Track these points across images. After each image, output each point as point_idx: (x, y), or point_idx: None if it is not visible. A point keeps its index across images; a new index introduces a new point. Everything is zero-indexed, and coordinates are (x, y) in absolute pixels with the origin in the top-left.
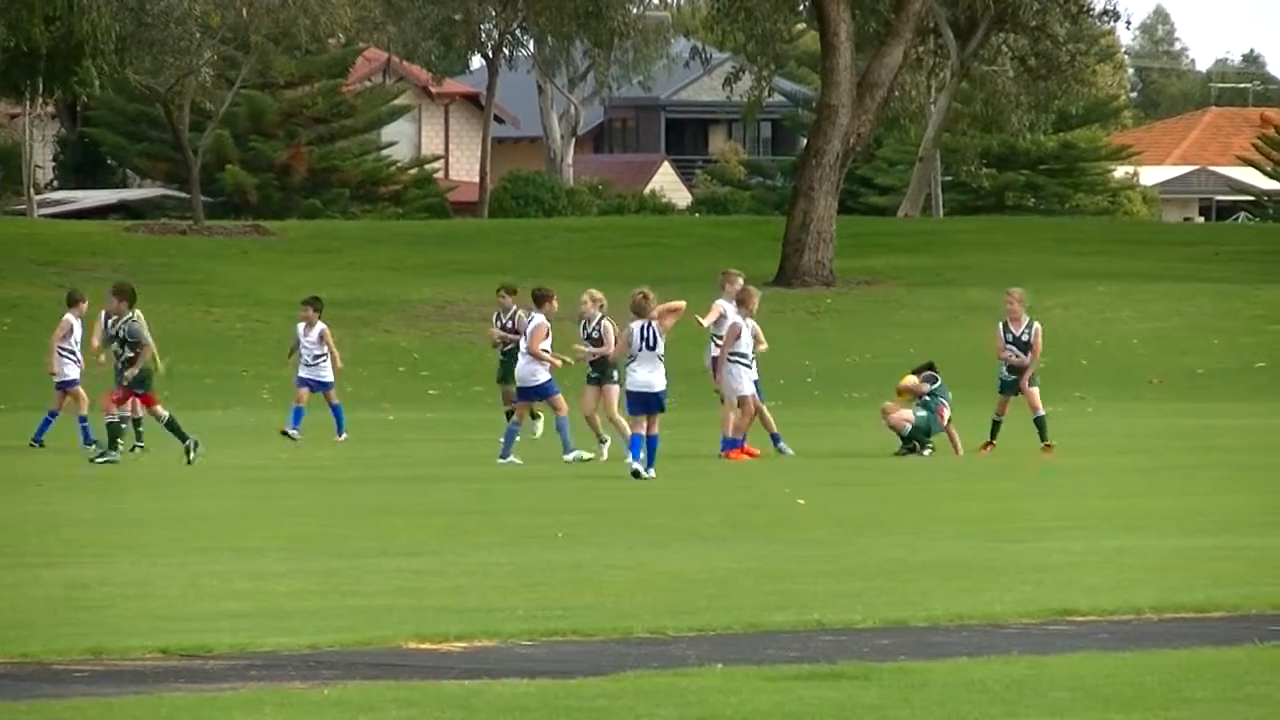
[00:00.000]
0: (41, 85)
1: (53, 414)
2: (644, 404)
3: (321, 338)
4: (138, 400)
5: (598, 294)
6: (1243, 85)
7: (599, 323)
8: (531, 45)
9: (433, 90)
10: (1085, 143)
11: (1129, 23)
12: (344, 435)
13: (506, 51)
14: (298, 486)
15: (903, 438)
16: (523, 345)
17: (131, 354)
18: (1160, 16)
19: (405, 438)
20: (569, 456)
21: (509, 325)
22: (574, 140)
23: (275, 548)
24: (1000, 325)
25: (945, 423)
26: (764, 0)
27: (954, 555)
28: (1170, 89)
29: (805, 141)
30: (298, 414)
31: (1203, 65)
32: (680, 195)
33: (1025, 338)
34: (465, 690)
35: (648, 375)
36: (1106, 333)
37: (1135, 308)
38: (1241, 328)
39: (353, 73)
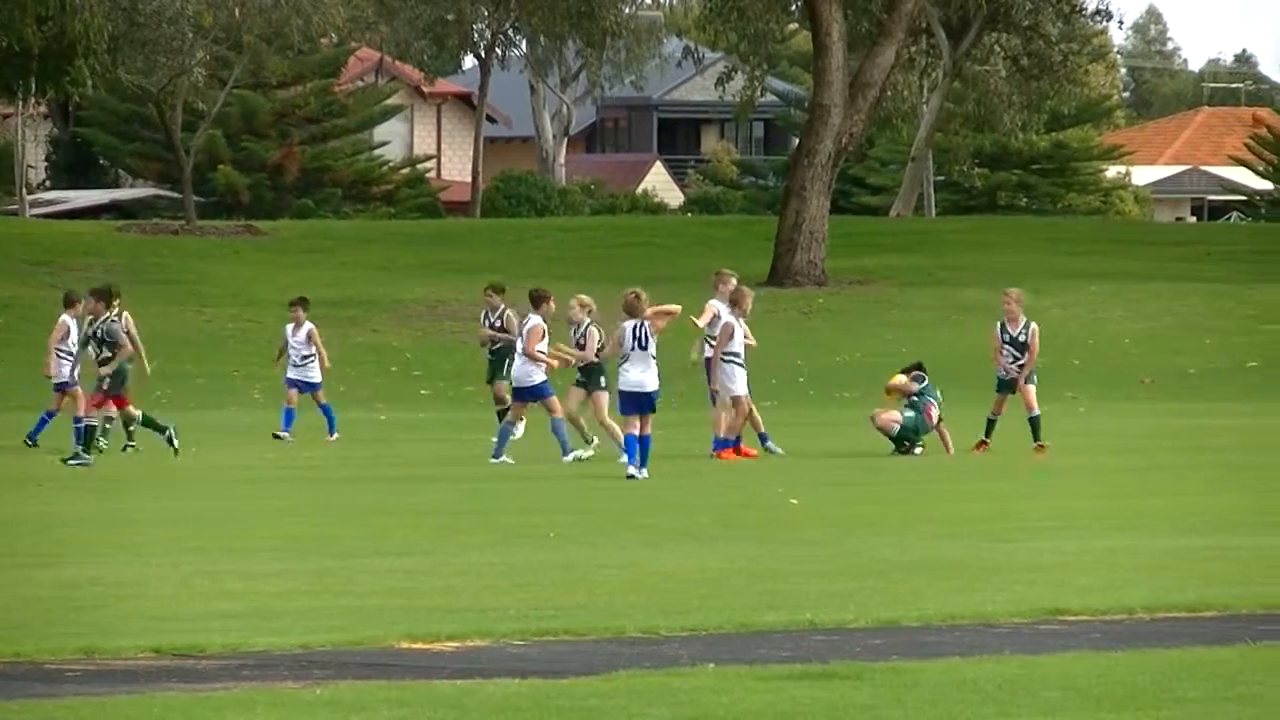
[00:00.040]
0: (34, 85)
1: (50, 414)
2: (636, 404)
3: (309, 337)
4: (111, 403)
5: (587, 299)
6: (1235, 85)
7: (585, 329)
8: (524, 45)
9: (425, 90)
10: (1077, 142)
11: (1121, 22)
12: (335, 435)
13: (499, 51)
14: (289, 487)
15: (892, 439)
16: (519, 346)
17: (109, 354)
18: (1153, 16)
19: (397, 438)
20: (567, 458)
21: (497, 324)
22: (566, 140)
23: (267, 548)
24: (998, 325)
25: (934, 422)
26: (756, 0)
27: (946, 555)
28: (1162, 89)
29: (797, 141)
30: (288, 415)
31: (1195, 65)
32: (672, 195)
33: (1022, 338)
34: (457, 690)
35: (640, 375)
36: (1098, 332)
37: (1127, 307)
38: (1233, 327)
39: (345, 72)
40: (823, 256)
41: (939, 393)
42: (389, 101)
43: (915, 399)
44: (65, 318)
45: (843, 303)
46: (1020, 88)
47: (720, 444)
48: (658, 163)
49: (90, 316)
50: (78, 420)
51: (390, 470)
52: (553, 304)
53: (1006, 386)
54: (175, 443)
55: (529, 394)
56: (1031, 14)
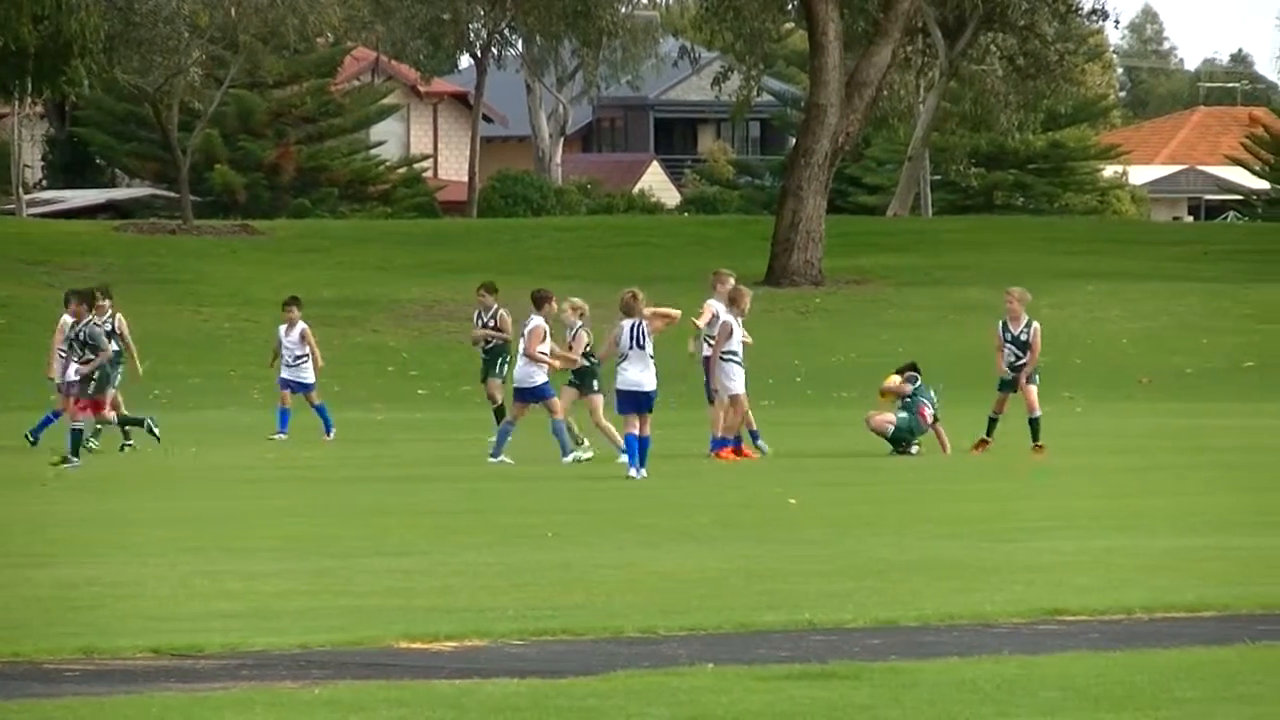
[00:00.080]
0: (30, 85)
1: (55, 414)
2: (634, 403)
3: (303, 337)
4: (90, 407)
5: (579, 302)
6: (1231, 85)
7: (575, 331)
8: (520, 44)
9: (421, 89)
10: (1074, 142)
11: (1117, 22)
12: (332, 434)
13: (495, 51)
14: (288, 487)
15: (888, 440)
16: (520, 347)
17: (91, 356)
18: (1149, 16)
19: (394, 437)
20: (567, 459)
21: (491, 324)
22: (562, 139)
23: (266, 548)
24: (1000, 324)
25: (929, 423)
26: (752, 0)
27: (944, 555)
28: (1159, 88)
29: (794, 141)
30: (283, 416)
31: (1191, 64)
32: (669, 195)
33: (1024, 337)
34: (456, 690)
35: (638, 374)
36: (1096, 332)
37: (1124, 307)
38: (1230, 327)
39: (341, 72)
40: (819, 256)
41: (933, 393)
42: (385, 101)
43: (908, 400)
44: (66, 318)
45: (839, 302)
46: (1017, 87)
47: (719, 444)
48: (654, 162)
49: (74, 319)
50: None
51: (388, 470)
52: (555, 304)
53: (1009, 385)
54: (156, 431)
55: (531, 395)
56: (1028, 13)
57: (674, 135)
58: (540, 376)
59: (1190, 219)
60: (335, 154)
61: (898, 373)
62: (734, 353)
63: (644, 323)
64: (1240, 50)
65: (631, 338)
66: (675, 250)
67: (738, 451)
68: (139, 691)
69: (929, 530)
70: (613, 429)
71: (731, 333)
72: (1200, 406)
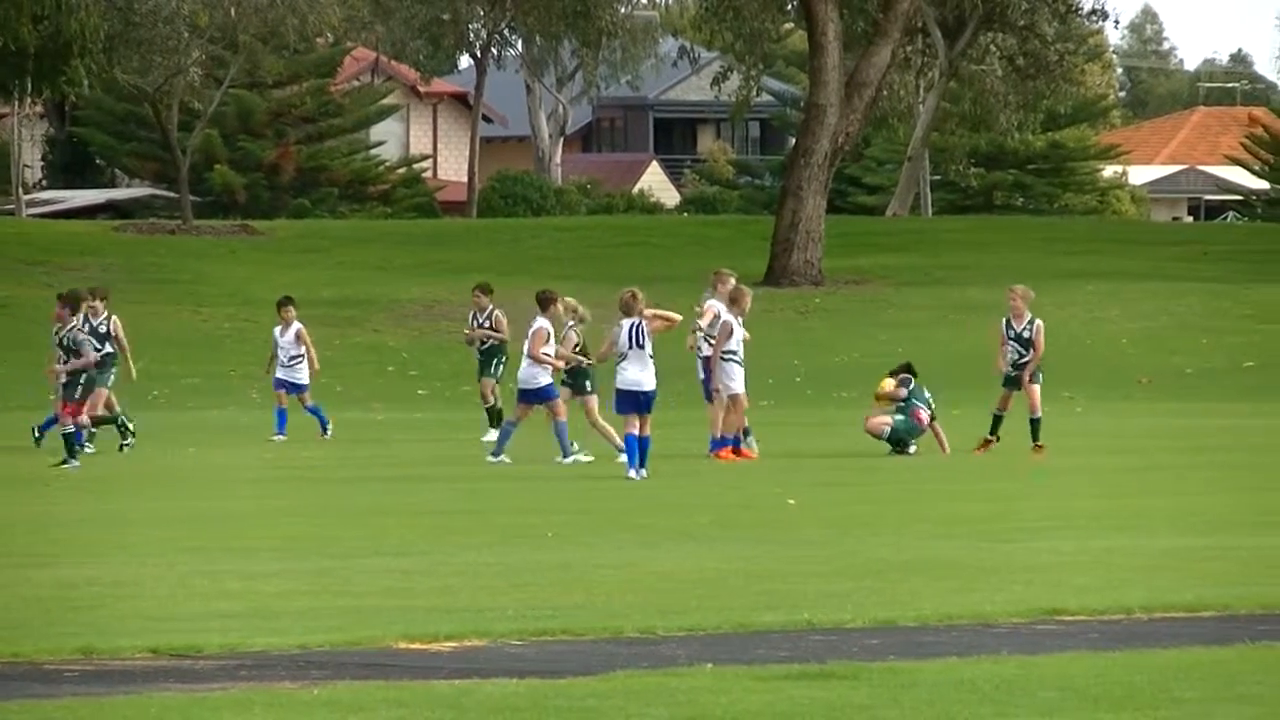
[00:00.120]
0: (30, 85)
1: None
2: (634, 403)
3: (298, 337)
4: (76, 409)
5: (571, 301)
6: (1230, 85)
7: (565, 331)
8: (519, 45)
9: (421, 90)
10: (1074, 142)
11: (1117, 22)
12: (329, 432)
13: (495, 51)
14: (287, 487)
15: (886, 441)
16: (525, 348)
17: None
18: (1148, 16)
19: (394, 438)
20: (566, 460)
21: (486, 325)
22: (562, 140)
23: (265, 548)
24: (1003, 321)
25: (926, 424)
26: (752, 0)
27: (943, 555)
28: (1158, 88)
29: (793, 141)
30: (280, 416)
31: (1191, 65)
32: (668, 195)
33: (1027, 334)
34: (455, 690)
35: (638, 374)
36: (1096, 332)
37: (1124, 307)
38: (1230, 327)
39: (341, 72)
40: (819, 256)
41: (929, 394)
42: (385, 101)
43: (903, 404)
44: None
45: (839, 302)
46: (1016, 87)
47: (718, 444)
48: (654, 162)
49: (58, 324)
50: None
51: (387, 470)
52: (560, 305)
53: (1013, 382)
54: (130, 427)
55: (534, 396)
56: (1027, 14)
57: (673, 135)
58: (544, 378)
59: (1190, 219)
60: (335, 154)
61: (892, 374)
62: (734, 352)
63: (643, 322)
64: (1240, 50)
65: (631, 337)
66: (675, 250)
67: (737, 451)
68: (138, 692)
69: (928, 530)
70: (610, 428)
71: (732, 332)
72: (1200, 406)
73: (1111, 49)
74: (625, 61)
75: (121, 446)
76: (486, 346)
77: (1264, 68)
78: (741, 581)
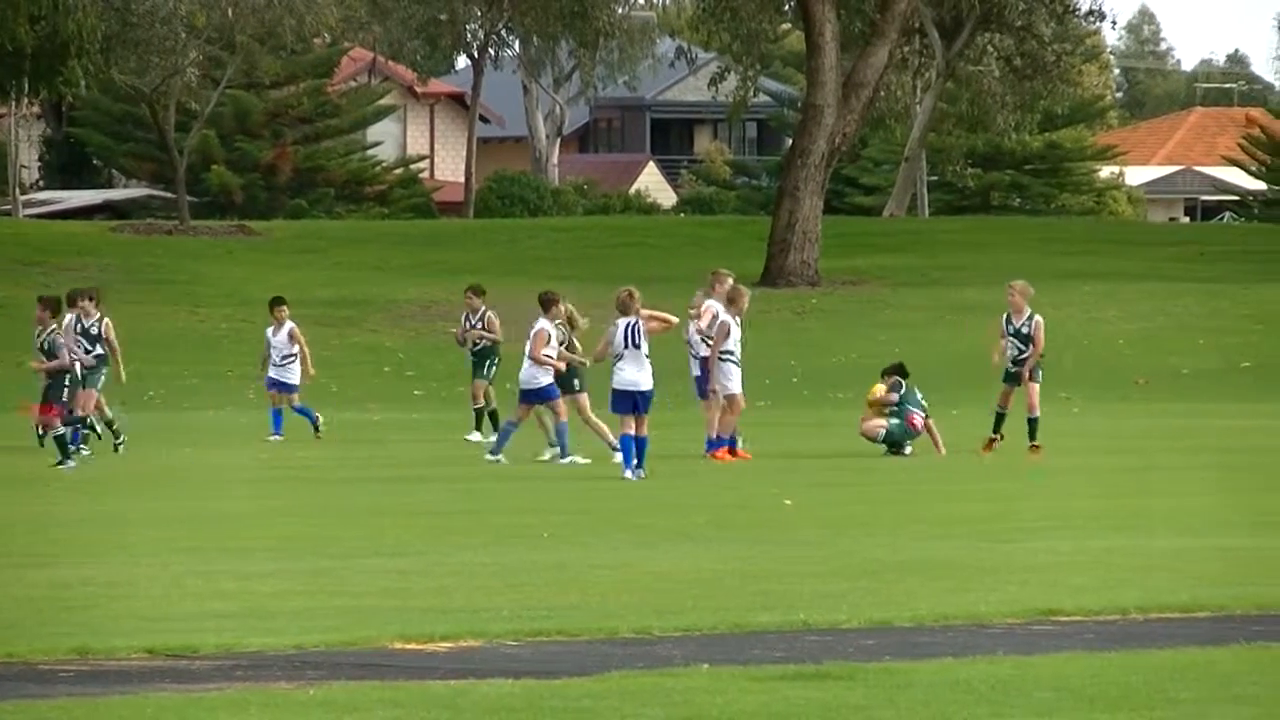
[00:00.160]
0: (27, 85)
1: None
2: (630, 403)
3: (291, 336)
4: (40, 410)
5: (569, 308)
6: (1228, 85)
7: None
8: (517, 45)
9: (418, 90)
10: (1071, 143)
11: (1115, 23)
12: (320, 429)
13: (492, 51)
14: (283, 487)
15: (881, 443)
16: (526, 349)
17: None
18: (1145, 16)
19: (390, 438)
20: (564, 461)
21: (478, 326)
22: (559, 140)
23: (261, 548)
24: (1003, 317)
25: (920, 428)
26: (749, 0)
27: (939, 555)
28: (1156, 89)
29: (790, 141)
30: (276, 416)
31: (1188, 65)
32: (665, 195)
33: (1025, 330)
34: (450, 690)
35: (634, 374)
36: (1092, 333)
37: (1121, 308)
38: (1227, 328)
39: (338, 73)
40: (816, 257)
41: (921, 396)
42: (382, 102)
43: (896, 408)
44: (69, 317)
45: (836, 303)
46: (1013, 88)
47: (714, 444)
48: (651, 163)
49: (39, 326)
50: (75, 421)
51: (384, 471)
52: (562, 307)
53: (1013, 379)
54: (96, 430)
55: (535, 396)
56: (1025, 14)
57: (670, 136)
58: (545, 378)
59: (1187, 220)
60: (332, 154)
61: (883, 374)
62: (731, 353)
63: (639, 322)
64: (1237, 51)
65: (627, 337)
66: (672, 251)
67: (733, 452)
68: (134, 692)
69: (923, 531)
70: (602, 425)
71: (729, 332)
72: (1197, 407)
73: (1109, 49)
74: (622, 62)
75: (116, 447)
76: (479, 348)
77: (1261, 68)
78: (737, 582)
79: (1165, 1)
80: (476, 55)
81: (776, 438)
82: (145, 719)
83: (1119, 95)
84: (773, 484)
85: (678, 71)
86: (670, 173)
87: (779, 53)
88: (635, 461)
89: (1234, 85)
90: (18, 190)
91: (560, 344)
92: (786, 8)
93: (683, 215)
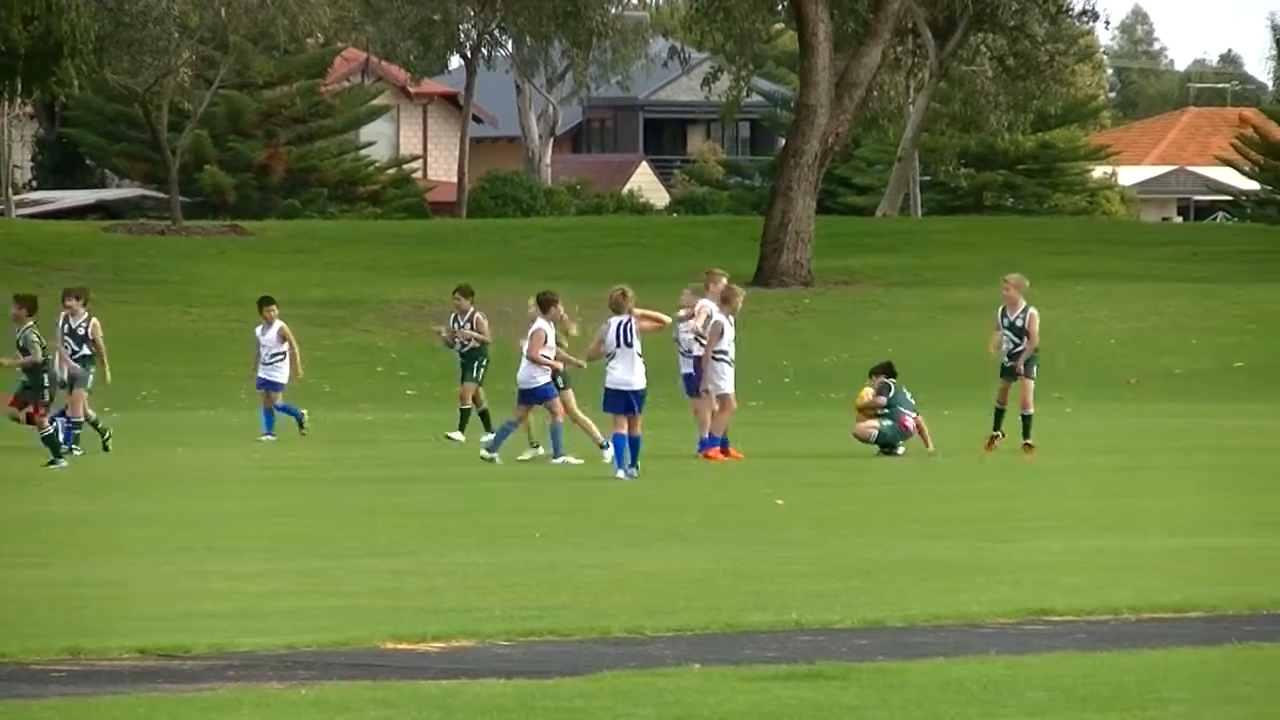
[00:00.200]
0: (20, 85)
1: (60, 412)
2: (623, 402)
3: (281, 335)
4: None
5: (560, 312)
6: (1221, 85)
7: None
8: (510, 45)
9: (411, 90)
10: (1064, 143)
11: (1108, 23)
12: (306, 429)
13: (485, 51)
14: (276, 487)
15: (874, 443)
16: (524, 349)
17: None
18: (1139, 16)
19: (383, 438)
20: (557, 460)
21: (466, 327)
22: (552, 140)
23: (253, 548)
24: (998, 311)
25: (913, 430)
26: (742, 0)
27: (931, 555)
28: (1149, 89)
29: (784, 141)
30: (267, 416)
31: (1181, 65)
32: (658, 195)
33: (1020, 323)
34: (442, 690)
35: (626, 373)
36: (1085, 333)
37: (1114, 308)
38: (1220, 328)
39: (331, 73)
40: (809, 257)
41: (910, 396)
42: (375, 102)
43: (887, 410)
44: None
45: (829, 303)
46: (1006, 88)
47: (706, 443)
48: (644, 163)
49: (14, 324)
50: (69, 421)
51: (376, 470)
52: (561, 307)
53: (1009, 373)
54: (53, 467)
55: (532, 396)
56: (1018, 14)
57: (663, 136)
58: (542, 378)
59: (1179, 220)
60: (325, 155)
61: (871, 373)
62: (724, 352)
63: (631, 320)
64: (1230, 51)
65: (619, 336)
66: (664, 251)
67: (725, 451)
68: (126, 692)
69: (916, 531)
70: (589, 422)
71: (723, 332)
72: (1189, 407)
73: (1102, 49)
74: (615, 62)
75: (105, 445)
76: (467, 349)
77: (1254, 68)
78: (729, 582)
79: (1158, 1)
80: (470, 55)
81: (769, 437)
82: (138, 719)
83: (1112, 95)
84: (765, 484)
85: (671, 71)
86: (663, 173)
87: (772, 53)
88: (629, 460)
89: (1227, 85)
90: (10, 190)
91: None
92: (779, 8)
93: (676, 215)
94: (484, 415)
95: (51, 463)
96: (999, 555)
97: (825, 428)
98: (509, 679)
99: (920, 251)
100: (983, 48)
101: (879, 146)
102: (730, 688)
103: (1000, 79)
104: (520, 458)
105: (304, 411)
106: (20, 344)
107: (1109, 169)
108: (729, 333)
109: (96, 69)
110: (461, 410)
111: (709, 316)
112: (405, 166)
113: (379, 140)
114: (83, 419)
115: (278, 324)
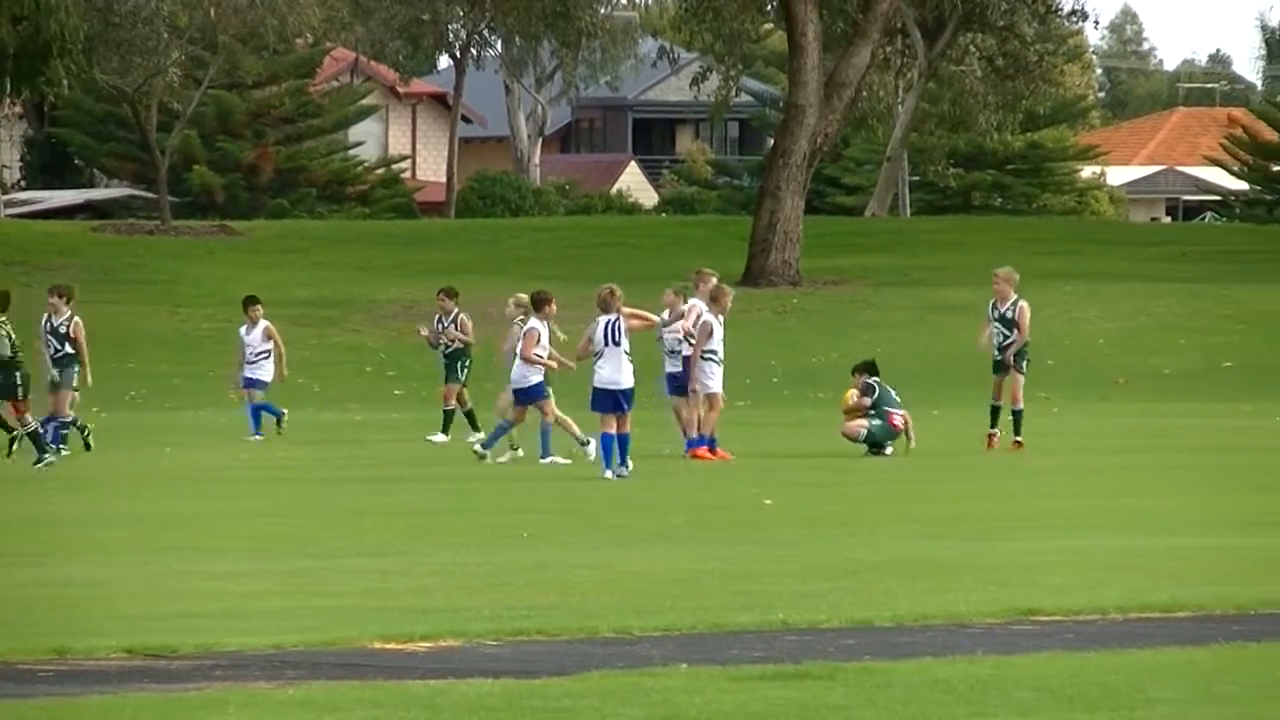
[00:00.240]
0: (9, 85)
1: (49, 418)
2: (611, 401)
3: (266, 334)
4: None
5: (524, 299)
6: (1210, 85)
7: (511, 325)
8: (499, 45)
9: (400, 90)
10: (1052, 143)
11: (1097, 22)
12: (283, 427)
13: (474, 51)
14: (264, 487)
15: (863, 443)
16: (518, 349)
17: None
18: (1128, 16)
19: (371, 438)
20: (545, 460)
21: (451, 328)
22: (541, 140)
23: (241, 548)
24: (989, 305)
25: (902, 429)
26: (731, 0)
27: (919, 555)
28: (1138, 89)
29: (772, 141)
30: (253, 416)
31: (1170, 65)
32: (647, 195)
33: (1010, 314)
34: (430, 690)
35: (614, 373)
36: (1073, 333)
37: (1102, 308)
38: (1208, 328)
39: (320, 73)
40: (797, 256)
41: (895, 394)
42: (364, 102)
43: (875, 411)
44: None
45: (817, 303)
46: (995, 88)
47: (694, 443)
48: (632, 163)
49: None
50: (54, 421)
51: (365, 470)
52: (554, 306)
53: (1001, 367)
54: (39, 465)
55: (523, 395)
56: (1007, 14)
57: (652, 136)
58: (535, 378)
59: (1168, 220)
60: (314, 155)
61: (854, 372)
62: (713, 352)
63: (620, 319)
64: (1219, 51)
65: (607, 334)
66: (653, 250)
67: (713, 451)
68: (113, 692)
69: (903, 530)
70: (568, 419)
71: (712, 332)
72: (1178, 407)
73: (1091, 49)
74: (604, 62)
75: (86, 444)
76: (450, 350)
77: (1243, 68)
78: (717, 581)
79: (1147, 1)
80: (459, 55)
81: (756, 437)
82: (125, 719)
83: (1101, 95)
84: (752, 484)
85: (660, 71)
86: (652, 173)
87: (761, 53)
88: (618, 459)
89: (1216, 85)
90: None
91: (516, 339)
92: (769, 8)
93: (664, 215)
94: (469, 415)
95: (39, 460)
96: (986, 555)
97: (813, 427)
98: (496, 679)
99: (909, 251)
100: (972, 48)
101: (868, 146)
102: (717, 687)
103: (989, 79)
104: (499, 460)
105: (284, 411)
106: None
107: (1098, 169)
108: (718, 332)
109: (85, 69)
110: (445, 411)
111: (699, 316)
112: (394, 166)
113: (368, 140)
114: (70, 418)
115: (263, 323)
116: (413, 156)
